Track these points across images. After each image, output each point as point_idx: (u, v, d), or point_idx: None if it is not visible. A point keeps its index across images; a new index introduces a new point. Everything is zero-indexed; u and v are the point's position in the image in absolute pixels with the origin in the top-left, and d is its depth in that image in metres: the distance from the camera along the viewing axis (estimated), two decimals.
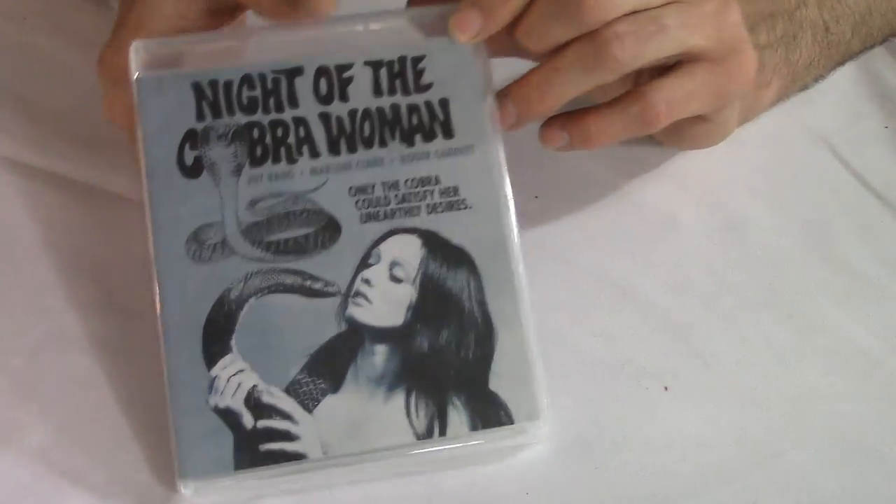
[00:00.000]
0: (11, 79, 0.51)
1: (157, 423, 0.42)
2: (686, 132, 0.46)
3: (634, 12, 0.40)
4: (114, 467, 0.42)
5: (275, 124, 0.41)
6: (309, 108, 0.41)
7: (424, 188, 0.41)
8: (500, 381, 0.40)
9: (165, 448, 0.40)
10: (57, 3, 0.54)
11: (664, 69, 0.42)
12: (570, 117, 0.43)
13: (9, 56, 0.52)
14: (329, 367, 0.40)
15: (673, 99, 0.42)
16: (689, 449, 0.43)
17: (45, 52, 0.52)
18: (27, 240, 0.47)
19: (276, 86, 0.41)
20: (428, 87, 0.42)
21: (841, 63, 0.53)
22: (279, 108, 0.41)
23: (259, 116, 0.41)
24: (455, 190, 0.41)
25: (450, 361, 0.40)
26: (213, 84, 0.41)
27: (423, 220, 0.41)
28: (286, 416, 0.39)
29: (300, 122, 0.41)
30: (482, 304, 0.41)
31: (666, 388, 0.45)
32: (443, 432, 0.40)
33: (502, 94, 0.42)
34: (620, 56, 0.40)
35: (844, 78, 0.53)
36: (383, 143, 0.41)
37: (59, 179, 0.48)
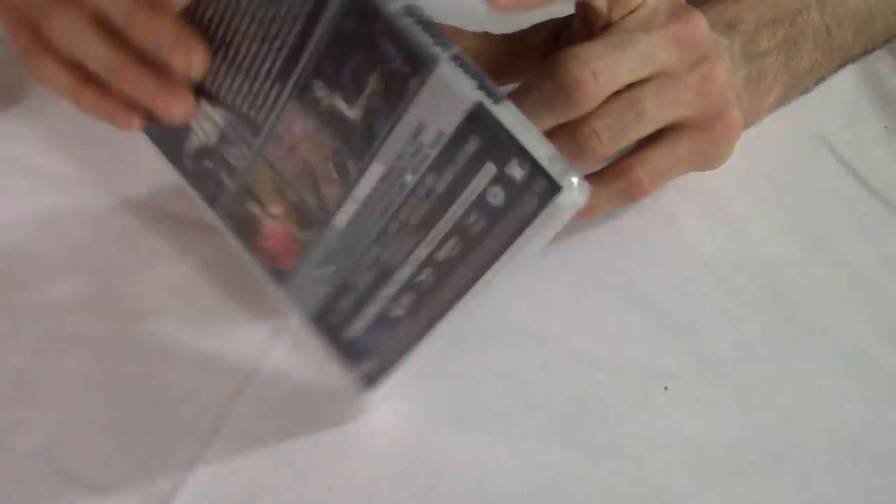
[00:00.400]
0: (11, 78, 0.51)
1: (158, 423, 0.42)
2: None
3: (616, 93, 0.41)
4: (114, 467, 0.42)
5: None
6: None
7: None
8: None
9: (165, 448, 0.40)
10: None
11: (653, 137, 0.43)
12: None
13: (9, 56, 0.52)
14: None
15: (657, 171, 0.43)
16: (689, 449, 0.43)
17: None
18: (27, 239, 0.47)
19: None
20: None
21: (842, 66, 0.53)
22: None
23: None
24: None
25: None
26: None
27: None
28: None
29: None
30: None
31: (666, 388, 0.45)
32: None
33: None
34: (598, 149, 0.41)
35: (845, 79, 0.53)
36: None
37: (60, 179, 0.48)
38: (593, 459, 0.43)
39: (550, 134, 0.42)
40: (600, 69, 0.39)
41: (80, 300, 0.45)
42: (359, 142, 0.39)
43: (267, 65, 0.40)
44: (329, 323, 0.42)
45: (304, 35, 0.39)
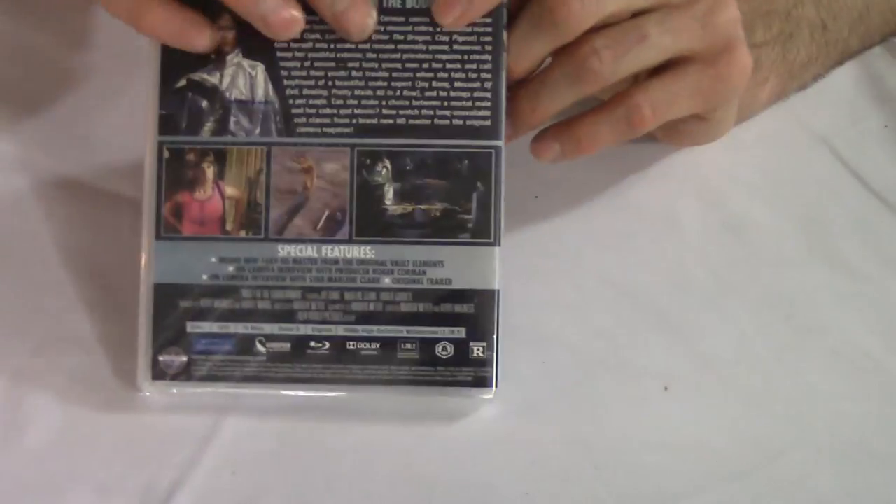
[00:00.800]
0: (11, 78, 0.51)
1: (158, 423, 0.42)
2: (681, 130, 0.46)
3: (617, 22, 0.40)
4: (113, 467, 0.42)
5: None
6: None
7: None
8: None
9: (165, 448, 0.40)
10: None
11: (659, 69, 0.42)
12: (559, 127, 0.43)
13: (9, 56, 0.52)
14: None
15: (659, 101, 0.42)
16: (689, 449, 0.43)
17: (47, 52, 0.52)
18: (27, 240, 0.47)
19: None
20: None
21: (840, 62, 0.52)
22: None
23: None
24: None
25: None
26: None
27: None
28: None
29: None
30: None
31: (666, 388, 0.45)
32: None
33: None
34: (599, 69, 0.40)
35: (844, 78, 0.53)
36: None
37: (60, 179, 0.48)
38: (593, 459, 0.43)
39: (552, 59, 0.42)
40: None
41: (80, 300, 0.45)
42: (375, 225, 0.41)
43: (364, 110, 0.41)
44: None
45: (424, 130, 0.41)
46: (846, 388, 0.45)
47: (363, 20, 0.40)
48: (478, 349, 0.41)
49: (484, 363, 0.41)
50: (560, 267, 0.47)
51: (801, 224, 0.49)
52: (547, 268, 0.47)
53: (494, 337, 0.41)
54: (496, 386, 0.41)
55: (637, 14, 0.41)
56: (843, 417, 0.44)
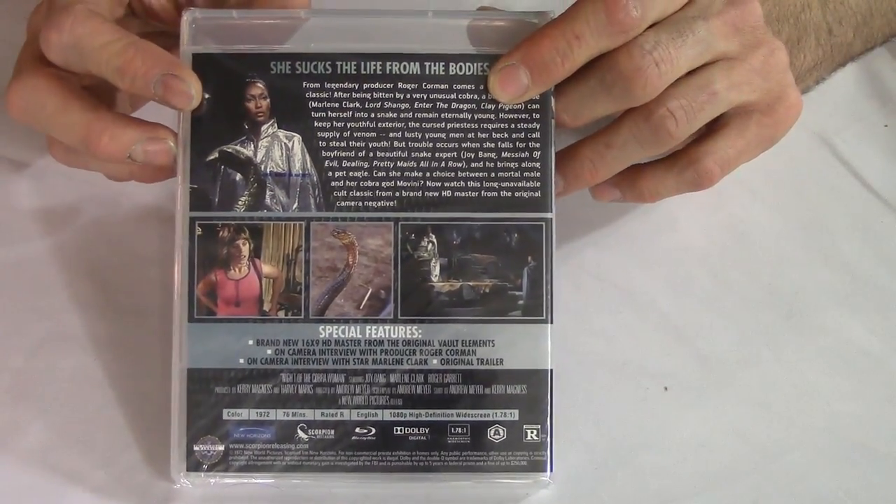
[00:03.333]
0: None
1: (158, 423, 0.42)
2: None
3: (683, 76, 0.40)
4: (114, 467, 0.42)
5: None
6: None
7: None
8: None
9: (165, 448, 0.40)
10: None
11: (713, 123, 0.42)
12: (623, 177, 0.43)
13: (9, 55, 0.52)
14: None
15: (726, 159, 0.42)
16: (689, 449, 0.43)
17: None
18: (27, 240, 0.47)
19: None
20: None
21: (842, 64, 0.53)
22: None
23: None
24: None
25: None
26: None
27: None
28: None
29: None
30: None
31: (666, 389, 0.45)
32: None
33: None
34: (675, 131, 0.40)
35: (844, 78, 0.53)
36: None
37: (60, 179, 0.48)
38: (594, 459, 0.43)
39: (620, 117, 0.41)
40: (662, 58, 0.39)
41: (80, 300, 0.45)
42: (421, 303, 0.40)
43: (407, 182, 0.40)
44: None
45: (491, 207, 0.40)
46: (846, 388, 0.45)
47: (184, 89, 0.38)
48: (532, 432, 0.40)
49: (539, 446, 0.40)
50: (560, 267, 0.47)
51: (801, 224, 0.49)
52: None
53: (549, 419, 0.40)
54: (552, 469, 0.40)
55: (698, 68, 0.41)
56: (843, 417, 0.44)
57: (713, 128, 0.42)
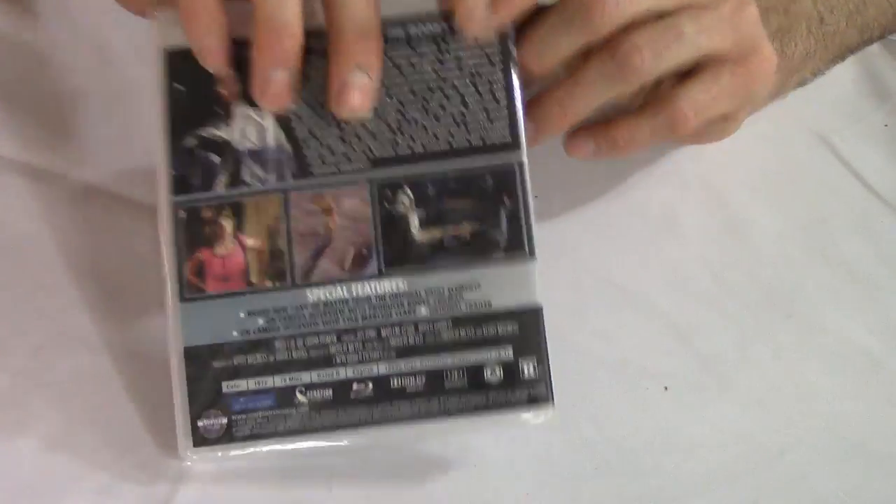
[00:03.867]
0: (13, 78, 0.51)
1: (158, 423, 0.42)
2: (704, 129, 0.46)
3: (649, 20, 0.40)
4: (114, 467, 0.42)
5: None
6: None
7: None
8: None
9: (166, 448, 0.40)
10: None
11: (685, 72, 0.42)
12: (596, 127, 0.43)
13: (11, 54, 0.52)
14: None
15: (700, 104, 0.42)
16: (689, 449, 0.43)
17: (49, 52, 0.52)
18: (27, 240, 0.47)
19: None
20: None
21: (839, 56, 0.52)
22: None
23: None
24: None
25: None
26: None
27: None
28: None
29: None
30: None
31: (666, 388, 0.45)
32: None
33: None
34: (640, 66, 0.40)
35: (844, 77, 0.53)
36: None
37: (60, 179, 0.48)
38: (593, 459, 0.43)
39: (587, 56, 0.41)
40: None
41: (80, 300, 0.45)
42: (403, 256, 0.40)
43: (379, 142, 0.40)
44: None
45: (440, 155, 0.40)
46: (846, 388, 0.45)
47: (360, 104, 0.39)
48: (528, 367, 0.40)
49: (536, 380, 0.40)
50: (560, 267, 0.47)
51: (801, 224, 0.49)
52: (547, 268, 0.47)
53: (544, 352, 0.40)
54: (553, 400, 0.40)
55: (664, 15, 0.41)
56: (843, 417, 0.44)
57: (687, 75, 0.42)
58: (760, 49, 0.43)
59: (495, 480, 0.42)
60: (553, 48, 0.41)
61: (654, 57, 0.40)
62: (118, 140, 0.48)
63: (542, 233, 0.47)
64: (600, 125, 0.43)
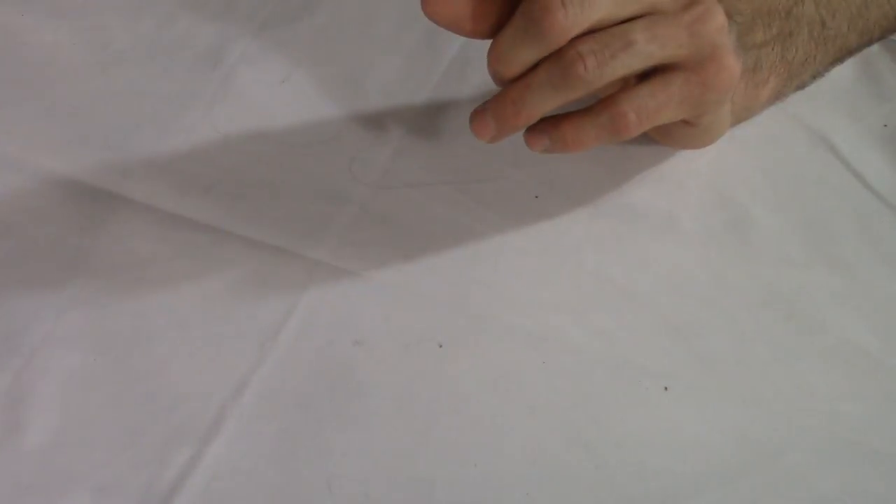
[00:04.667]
0: (13, 77, 0.51)
1: (158, 423, 0.42)
2: (672, 134, 0.46)
3: (604, 28, 0.40)
4: (114, 467, 0.42)
5: None
6: None
7: None
8: None
9: (166, 448, 0.40)
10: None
11: (646, 75, 0.42)
12: (549, 123, 0.43)
13: (12, 54, 0.52)
14: None
15: (644, 108, 0.42)
16: (689, 449, 0.43)
17: (52, 51, 0.52)
18: (27, 239, 0.47)
19: None
20: None
21: (839, 59, 0.52)
22: None
23: None
24: None
25: None
26: None
27: None
28: None
29: None
30: None
31: (666, 388, 0.45)
32: None
33: (481, 110, 0.43)
34: (583, 75, 0.40)
35: (844, 77, 0.53)
36: None
37: (60, 179, 0.48)
38: (593, 459, 0.43)
39: (541, 63, 0.41)
40: (571, 1, 0.39)
41: (80, 300, 0.45)
42: None
43: None
44: None
45: None
46: (845, 388, 0.45)
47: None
48: None
49: None
50: (560, 267, 0.47)
51: (801, 224, 0.49)
52: (547, 268, 0.47)
53: None
54: None
55: (625, 21, 0.41)
56: (843, 417, 0.44)
57: (637, 81, 0.42)
58: (720, 58, 0.42)
59: (495, 481, 0.42)
60: (516, 57, 0.41)
61: (599, 66, 0.40)
62: (118, 140, 0.48)
63: (542, 233, 0.48)
64: (552, 121, 0.43)
